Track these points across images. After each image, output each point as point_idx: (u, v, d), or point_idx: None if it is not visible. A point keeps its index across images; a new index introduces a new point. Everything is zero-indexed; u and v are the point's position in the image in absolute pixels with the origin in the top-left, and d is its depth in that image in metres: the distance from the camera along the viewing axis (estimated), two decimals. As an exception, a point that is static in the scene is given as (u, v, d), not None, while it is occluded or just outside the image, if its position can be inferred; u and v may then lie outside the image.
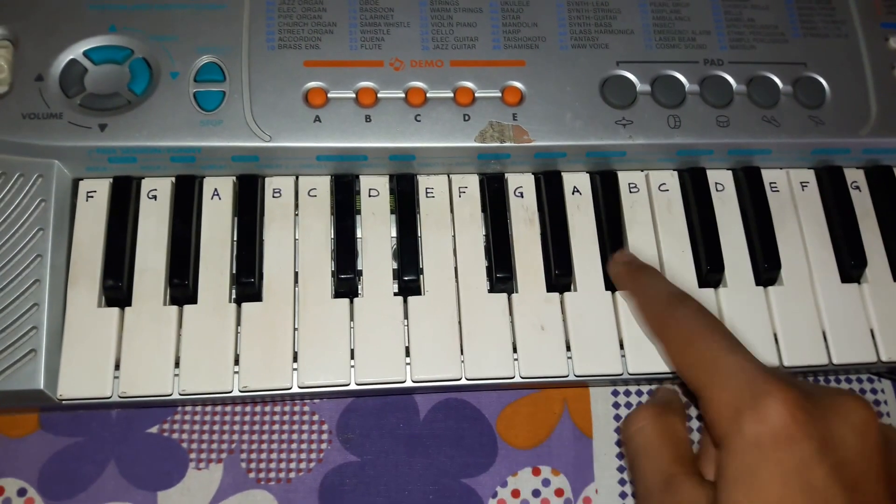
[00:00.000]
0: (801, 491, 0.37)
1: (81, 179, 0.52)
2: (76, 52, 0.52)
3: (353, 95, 0.52)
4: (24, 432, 0.51)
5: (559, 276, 0.52)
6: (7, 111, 0.50)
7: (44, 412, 0.51)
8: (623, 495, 0.52)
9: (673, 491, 0.42)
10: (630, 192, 0.55)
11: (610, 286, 0.52)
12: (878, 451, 0.39)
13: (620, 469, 0.52)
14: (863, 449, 0.39)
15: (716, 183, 0.55)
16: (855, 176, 0.57)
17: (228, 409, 0.52)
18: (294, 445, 0.52)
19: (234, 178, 0.53)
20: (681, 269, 0.53)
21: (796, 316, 0.52)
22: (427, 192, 0.54)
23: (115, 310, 0.49)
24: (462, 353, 0.50)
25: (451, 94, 0.53)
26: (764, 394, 0.39)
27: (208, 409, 0.52)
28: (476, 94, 0.53)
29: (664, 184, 0.55)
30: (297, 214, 0.52)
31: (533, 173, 0.55)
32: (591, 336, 0.51)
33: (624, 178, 0.55)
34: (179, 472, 0.51)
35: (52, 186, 0.50)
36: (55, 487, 0.50)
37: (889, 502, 0.39)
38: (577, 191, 0.55)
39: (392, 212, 0.53)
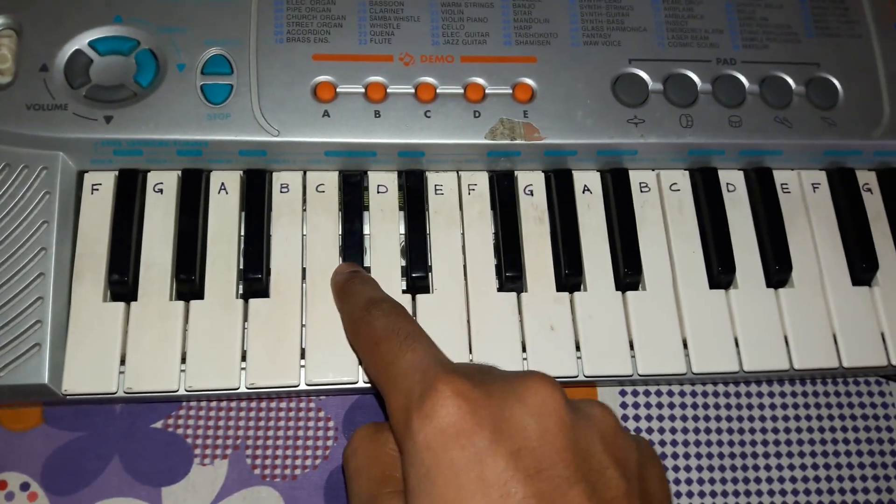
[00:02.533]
0: (477, 488, 0.34)
1: (86, 172, 0.51)
2: (81, 42, 0.51)
3: (363, 90, 0.52)
4: (27, 426, 0.50)
5: (569, 276, 0.51)
6: (11, 102, 0.50)
7: (47, 406, 0.51)
8: (630, 496, 0.52)
9: None
10: (641, 191, 0.54)
11: (620, 286, 0.52)
12: (562, 431, 0.36)
13: (627, 470, 0.52)
14: (544, 431, 0.36)
15: (727, 183, 0.55)
16: (867, 178, 0.56)
17: (234, 404, 0.52)
18: (300, 442, 0.51)
19: (242, 172, 0.52)
20: (691, 270, 0.52)
21: (807, 318, 0.52)
22: (436, 189, 0.53)
23: (121, 304, 0.48)
24: (471, 353, 0.49)
25: (462, 90, 0.52)
26: (429, 390, 0.36)
27: (213, 404, 0.52)
28: (487, 91, 0.53)
29: (675, 183, 0.55)
30: (304, 210, 0.52)
31: (543, 171, 0.55)
32: (601, 336, 0.50)
33: (635, 177, 0.55)
34: (184, 468, 0.50)
35: (57, 179, 0.49)
36: (59, 482, 0.49)
37: (579, 480, 0.35)
38: (588, 189, 0.54)
39: (400, 208, 0.53)
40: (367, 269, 0.51)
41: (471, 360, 0.49)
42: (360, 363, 0.46)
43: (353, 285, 0.48)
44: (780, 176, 0.56)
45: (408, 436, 0.36)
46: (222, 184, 0.52)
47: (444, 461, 0.35)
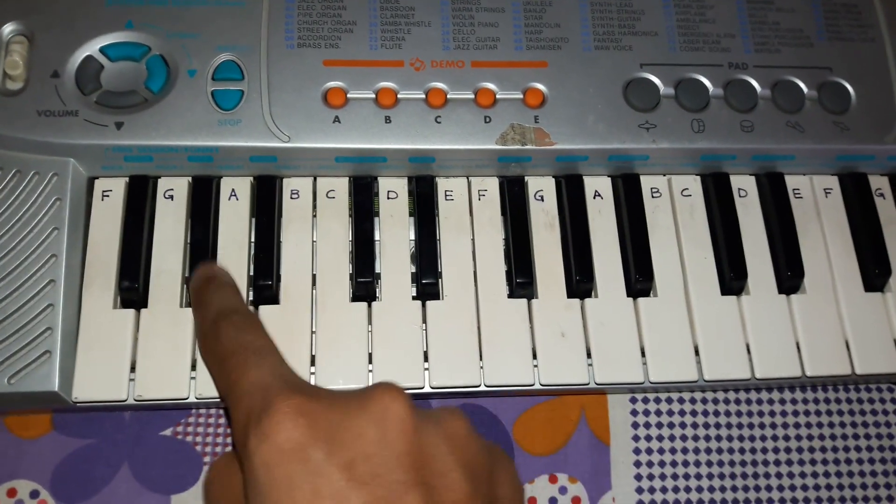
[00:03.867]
0: (311, 501, 0.34)
1: (97, 178, 0.51)
2: (92, 48, 0.51)
3: (373, 96, 0.52)
4: (36, 433, 0.50)
5: (580, 283, 0.51)
6: (22, 108, 0.50)
7: (57, 413, 0.51)
8: (641, 504, 0.51)
9: None
10: (652, 196, 0.54)
11: (632, 293, 0.51)
12: (402, 436, 0.36)
13: (638, 477, 0.52)
14: (382, 437, 0.35)
15: (739, 189, 0.55)
16: (879, 183, 0.56)
17: (243, 411, 0.52)
18: (309, 449, 0.51)
19: (252, 178, 0.52)
20: (703, 276, 0.52)
21: (819, 325, 0.52)
22: (446, 195, 0.53)
23: (131, 311, 0.48)
24: (481, 360, 0.49)
25: (472, 96, 0.52)
26: (267, 408, 0.35)
27: (222, 411, 0.52)
28: (497, 96, 0.52)
29: (687, 189, 0.54)
30: (315, 216, 0.52)
31: (554, 177, 0.54)
32: (612, 343, 0.50)
33: (646, 182, 0.54)
34: (193, 475, 0.50)
35: (68, 185, 0.49)
36: (68, 489, 0.49)
37: (417, 483, 0.35)
38: (599, 195, 0.54)
39: (411, 214, 0.53)
40: (378, 276, 0.51)
41: (481, 367, 0.49)
42: (212, 379, 0.45)
43: (205, 293, 0.46)
44: (792, 181, 0.55)
45: (246, 456, 0.36)
46: (233, 190, 0.52)
47: (279, 478, 0.34)
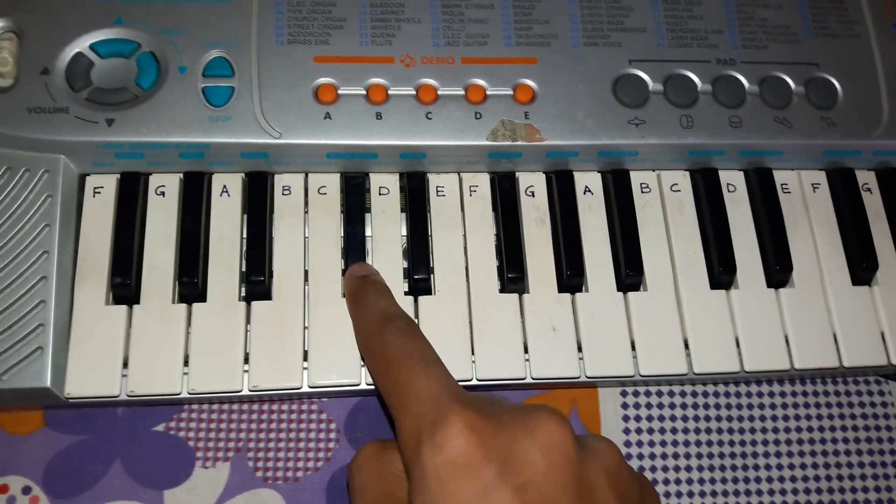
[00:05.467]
0: None
1: (88, 175, 0.51)
2: (82, 45, 0.51)
3: (364, 92, 0.52)
4: (29, 430, 0.50)
5: (571, 277, 0.51)
6: (12, 105, 0.49)
7: (49, 410, 0.51)
8: (632, 497, 0.52)
9: None
10: (642, 192, 0.54)
11: (622, 287, 0.52)
12: (568, 466, 0.37)
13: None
14: (550, 465, 0.36)
15: (728, 184, 0.55)
16: (866, 178, 0.57)
17: (235, 407, 0.52)
18: (302, 444, 0.51)
19: (244, 174, 0.52)
20: (692, 270, 0.53)
21: (807, 318, 0.52)
22: (438, 191, 0.53)
23: (123, 307, 0.48)
24: (473, 354, 0.49)
25: (463, 92, 0.53)
26: (441, 419, 0.37)
27: (215, 407, 0.52)
28: (488, 92, 0.53)
29: (676, 184, 0.55)
30: (306, 212, 0.52)
31: (544, 172, 0.55)
32: (603, 337, 0.50)
33: (636, 178, 0.55)
34: (186, 471, 0.50)
35: (59, 182, 0.49)
36: (60, 485, 0.49)
37: None
38: (589, 190, 0.54)
39: (402, 210, 0.53)
40: (370, 272, 0.51)
41: (473, 362, 0.49)
42: (371, 375, 0.46)
43: (366, 294, 0.48)
44: (780, 176, 0.56)
45: (416, 462, 0.37)
46: (224, 186, 0.52)
47: (450, 492, 0.35)
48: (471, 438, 0.36)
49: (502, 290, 0.51)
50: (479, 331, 0.50)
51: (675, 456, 0.53)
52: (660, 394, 0.54)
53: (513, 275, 0.51)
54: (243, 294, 0.50)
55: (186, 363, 0.48)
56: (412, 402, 0.39)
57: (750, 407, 0.54)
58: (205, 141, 0.50)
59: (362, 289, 0.48)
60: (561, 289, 0.51)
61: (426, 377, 0.40)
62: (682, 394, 0.54)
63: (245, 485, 0.50)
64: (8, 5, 0.51)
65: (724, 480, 0.52)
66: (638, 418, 0.54)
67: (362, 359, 0.47)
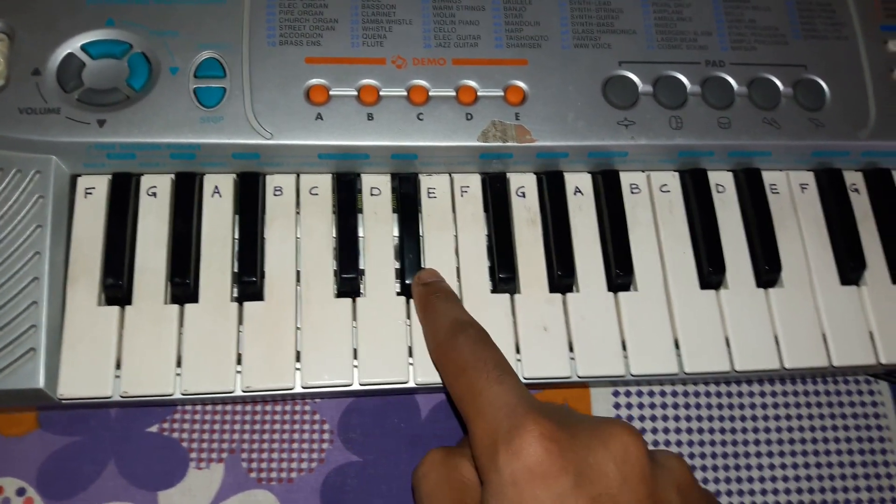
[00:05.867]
0: None
1: (79, 176, 0.51)
2: (74, 46, 0.51)
3: (355, 93, 0.52)
4: (22, 431, 0.50)
5: (561, 277, 0.52)
6: (3, 106, 0.49)
7: (42, 411, 0.51)
8: (623, 495, 0.52)
9: None
10: (632, 192, 0.55)
11: (612, 287, 0.52)
12: (642, 480, 0.38)
13: (620, 469, 0.53)
14: (625, 478, 0.37)
15: (717, 184, 0.56)
16: (854, 178, 0.57)
17: (229, 408, 0.52)
18: (295, 445, 0.51)
19: (235, 175, 0.52)
20: (682, 270, 0.53)
21: (796, 318, 0.53)
22: (429, 192, 0.53)
23: (116, 308, 0.48)
24: (465, 354, 0.49)
25: (454, 93, 0.53)
26: (518, 427, 0.38)
27: (209, 408, 0.52)
28: (478, 93, 0.53)
29: (665, 185, 0.55)
30: (298, 213, 0.52)
31: (535, 173, 0.55)
32: (594, 337, 0.51)
33: (625, 178, 0.55)
34: (180, 472, 0.50)
35: (50, 183, 0.49)
36: (54, 487, 0.49)
37: None
38: (579, 191, 0.54)
39: (394, 211, 0.53)
40: (361, 272, 0.51)
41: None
42: (444, 383, 0.46)
43: (437, 301, 0.48)
44: (768, 177, 0.56)
45: (493, 468, 0.38)
46: (216, 187, 0.52)
47: (528, 498, 0.36)
48: (548, 447, 0.37)
49: (494, 291, 0.51)
50: (471, 331, 0.50)
51: (666, 455, 0.53)
52: (651, 393, 0.54)
53: (504, 275, 0.51)
54: (235, 295, 0.50)
55: (179, 364, 0.48)
56: (487, 409, 0.40)
57: (741, 406, 0.55)
58: (196, 142, 0.50)
59: (431, 297, 0.49)
60: (552, 289, 0.52)
61: (501, 384, 0.40)
62: (674, 393, 0.55)
63: (239, 485, 0.50)
64: (-1, 6, 0.51)
65: (716, 480, 0.53)
66: (629, 418, 0.54)
67: (436, 365, 0.48)
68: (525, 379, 0.49)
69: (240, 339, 0.49)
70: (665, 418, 0.54)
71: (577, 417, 0.41)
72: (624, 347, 0.51)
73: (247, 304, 0.49)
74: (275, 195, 0.52)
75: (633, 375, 0.50)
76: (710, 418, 0.54)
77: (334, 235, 0.52)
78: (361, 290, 0.51)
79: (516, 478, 0.37)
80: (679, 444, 0.53)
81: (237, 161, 0.51)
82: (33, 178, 0.49)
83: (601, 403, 0.54)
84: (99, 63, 0.51)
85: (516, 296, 0.51)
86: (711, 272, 0.53)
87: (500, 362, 0.42)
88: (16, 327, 0.47)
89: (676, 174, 0.56)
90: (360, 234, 0.52)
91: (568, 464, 0.37)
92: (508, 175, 0.54)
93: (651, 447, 0.40)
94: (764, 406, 0.55)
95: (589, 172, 0.55)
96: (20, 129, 0.49)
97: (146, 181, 0.52)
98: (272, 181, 0.53)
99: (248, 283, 0.50)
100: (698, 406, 0.54)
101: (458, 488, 0.42)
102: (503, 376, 0.41)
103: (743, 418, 0.54)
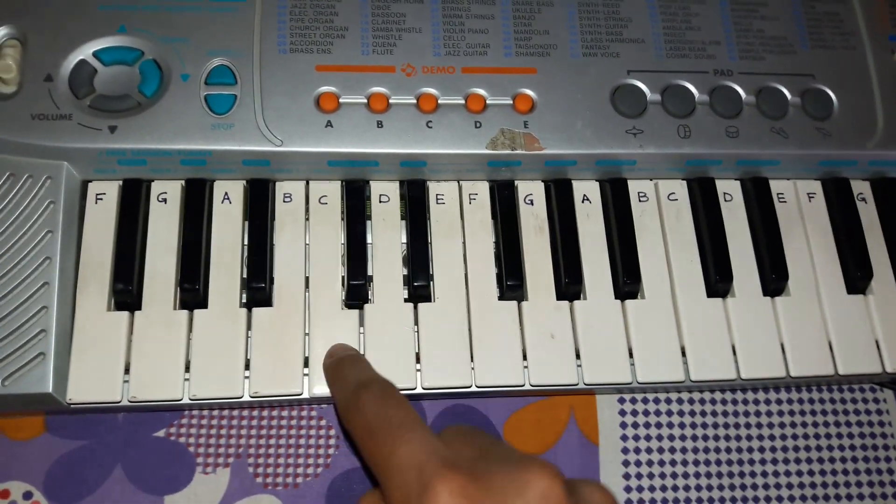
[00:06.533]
0: None
1: (90, 181, 0.52)
2: (86, 52, 0.51)
3: (365, 101, 0.52)
4: (30, 435, 0.50)
5: (569, 285, 0.52)
6: (16, 112, 0.50)
7: (50, 415, 0.51)
8: (629, 503, 0.52)
9: None
10: (639, 200, 0.55)
11: (620, 295, 0.52)
12: None
13: (626, 476, 0.53)
14: None
15: (724, 193, 0.56)
16: (861, 188, 0.57)
17: (236, 413, 0.52)
18: (301, 450, 0.52)
19: (245, 182, 0.53)
20: (689, 278, 0.53)
21: (803, 326, 0.53)
22: (438, 199, 0.54)
23: (125, 314, 0.49)
24: (472, 361, 0.50)
25: (463, 101, 0.53)
26: (427, 489, 0.36)
27: (215, 413, 0.52)
28: (487, 101, 0.53)
29: (673, 193, 0.55)
30: (307, 219, 0.52)
31: (543, 181, 0.55)
32: (601, 344, 0.51)
33: (633, 186, 0.55)
34: (186, 477, 0.50)
35: (61, 188, 0.50)
36: (61, 491, 0.49)
37: None
38: (587, 199, 0.55)
39: (402, 218, 0.53)
40: (370, 279, 0.51)
41: (472, 369, 0.49)
42: (356, 449, 0.45)
43: (341, 368, 0.47)
44: (776, 186, 0.56)
45: None
46: (226, 193, 0.52)
47: None
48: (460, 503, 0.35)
49: (501, 298, 0.52)
50: (478, 338, 0.50)
51: (673, 463, 0.53)
52: (657, 401, 0.55)
53: (512, 282, 0.51)
54: (244, 301, 0.50)
55: (188, 369, 0.48)
56: (396, 473, 0.38)
57: (747, 414, 0.55)
58: (207, 148, 0.50)
59: (337, 365, 0.47)
60: (559, 296, 0.52)
61: (406, 444, 0.38)
62: (679, 401, 0.55)
63: (245, 490, 0.50)
64: (12, 12, 0.51)
65: (720, 487, 0.53)
66: (635, 425, 0.54)
67: (347, 429, 0.45)
68: (532, 386, 0.50)
69: (248, 345, 0.49)
70: (671, 425, 0.54)
71: (493, 459, 0.39)
72: (631, 355, 0.51)
73: (255, 310, 0.50)
74: (284, 202, 0.53)
75: (639, 383, 0.51)
76: (716, 426, 0.54)
77: (343, 242, 0.52)
78: (369, 297, 0.51)
79: None
80: (684, 451, 0.53)
81: (247, 168, 0.52)
82: (45, 183, 0.49)
83: (607, 410, 0.54)
84: (111, 70, 0.52)
85: (524, 303, 0.51)
86: (718, 280, 0.53)
87: (406, 418, 0.40)
88: (26, 332, 0.47)
89: (684, 182, 0.56)
90: (369, 240, 0.52)
91: None
92: (517, 182, 0.55)
93: (575, 480, 0.39)
94: (769, 414, 0.55)
95: (597, 180, 0.56)
96: (32, 135, 0.49)
97: (157, 187, 0.52)
98: (282, 188, 0.53)
99: (257, 289, 0.50)
100: (704, 413, 0.54)
101: None
102: (409, 434, 0.39)
103: (748, 426, 0.54)
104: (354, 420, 0.42)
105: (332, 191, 0.53)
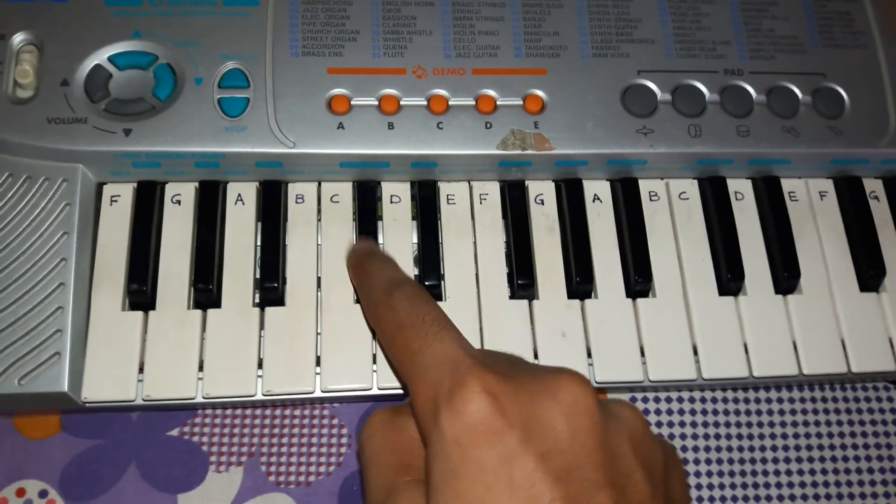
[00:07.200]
0: (505, 489, 0.33)
1: (105, 184, 0.52)
2: (101, 57, 0.52)
3: (376, 103, 0.53)
4: (45, 434, 0.51)
5: (580, 284, 0.52)
6: (32, 115, 0.50)
7: (65, 414, 0.51)
8: (642, 502, 0.52)
9: (392, 502, 0.37)
10: (650, 200, 0.55)
11: (631, 294, 0.52)
12: (592, 432, 0.35)
13: (639, 476, 0.53)
14: (574, 432, 0.35)
15: (735, 192, 0.56)
16: (873, 186, 0.57)
17: (248, 412, 0.52)
18: (314, 449, 0.52)
19: (258, 183, 0.53)
20: (701, 277, 0.53)
21: (815, 324, 0.52)
22: (448, 199, 0.54)
23: (139, 314, 0.49)
24: (483, 359, 0.50)
25: (473, 102, 0.53)
26: (460, 384, 0.35)
27: (228, 411, 0.52)
28: (498, 102, 0.53)
29: (684, 192, 0.55)
30: (319, 220, 0.53)
31: (554, 181, 0.55)
32: (612, 343, 0.51)
33: (644, 186, 0.55)
34: (200, 475, 0.51)
35: (77, 190, 0.50)
36: (76, 489, 0.50)
37: (607, 485, 0.35)
38: (598, 198, 0.55)
39: (413, 218, 0.53)
40: (381, 278, 0.51)
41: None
42: (381, 345, 0.45)
43: (370, 263, 0.47)
44: (787, 184, 0.56)
45: (435, 429, 0.35)
46: (239, 195, 0.53)
47: (472, 459, 0.34)
48: (492, 403, 0.35)
49: (512, 297, 0.52)
50: (488, 337, 0.50)
51: (685, 461, 0.53)
52: (668, 399, 0.55)
53: (523, 281, 0.52)
54: (257, 300, 0.51)
55: (201, 368, 0.48)
56: (427, 367, 0.37)
57: (759, 413, 0.55)
58: (220, 151, 0.51)
59: (366, 260, 0.47)
60: (570, 295, 0.52)
61: (441, 340, 0.38)
62: (691, 399, 0.55)
63: (258, 489, 0.51)
64: (29, 18, 0.52)
65: (732, 486, 0.53)
66: (647, 424, 0.54)
67: (372, 326, 0.46)
68: (543, 384, 0.50)
69: (261, 344, 0.49)
70: (682, 424, 0.54)
71: (525, 367, 0.39)
72: (642, 353, 0.51)
73: (268, 310, 0.50)
74: (296, 203, 0.53)
75: (651, 381, 0.50)
76: (728, 424, 0.54)
77: (354, 242, 0.52)
78: (381, 296, 0.51)
79: (459, 438, 0.34)
80: (696, 449, 0.53)
81: (260, 169, 0.52)
82: (60, 186, 0.50)
83: (620, 409, 0.54)
84: (125, 74, 0.52)
85: (535, 302, 0.52)
86: (730, 279, 0.53)
87: (439, 317, 0.40)
88: (42, 332, 0.47)
89: (695, 182, 0.56)
90: (381, 240, 0.53)
91: (513, 419, 0.34)
92: (527, 182, 0.55)
93: (603, 402, 0.38)
94: (782, 412, 0.55)
95: (608, 180, 0.56)
96: (48, 139, 0.50)
97: (171, 189, 0.53)
98: (294, 189, 0.53)
99: (270, 289, 0.50)
100: (716, 412, 0.54)
101: (404, 450, 0.39)
102: (443, 332, 0.39)
103: (760, 424, 0.54)
104: (384, 316, 0.42)
105: (343, 189, 0.54)
